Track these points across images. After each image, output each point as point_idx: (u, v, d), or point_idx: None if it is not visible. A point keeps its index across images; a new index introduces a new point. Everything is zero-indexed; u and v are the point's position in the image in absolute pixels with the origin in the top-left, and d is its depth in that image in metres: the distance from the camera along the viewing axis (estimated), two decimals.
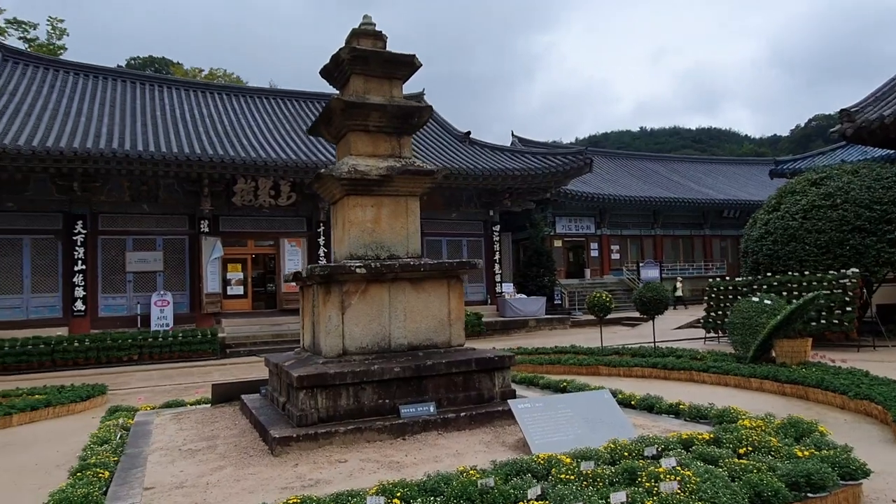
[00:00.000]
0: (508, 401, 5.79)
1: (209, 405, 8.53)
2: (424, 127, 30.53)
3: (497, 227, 27.90)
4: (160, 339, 19.44)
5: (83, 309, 21.40)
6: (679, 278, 32.41)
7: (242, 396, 7.90)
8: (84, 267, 21.46)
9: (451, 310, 6.87)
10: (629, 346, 14.66)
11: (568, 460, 4.69)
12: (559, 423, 5.59)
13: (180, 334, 19.87)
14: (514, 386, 9.11)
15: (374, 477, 4.83)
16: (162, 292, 22.28)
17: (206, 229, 23.13)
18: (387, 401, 6.14)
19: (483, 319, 24.73)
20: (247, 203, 23.85)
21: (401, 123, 7.17)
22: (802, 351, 10.72)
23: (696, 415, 6.48)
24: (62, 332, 20.45)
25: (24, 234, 21.31)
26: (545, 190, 27.59)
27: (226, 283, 24.09)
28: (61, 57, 36.18)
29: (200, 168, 21.13)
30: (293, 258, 24.53)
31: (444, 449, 5.57)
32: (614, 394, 7.71)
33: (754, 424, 5.65)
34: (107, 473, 5.12)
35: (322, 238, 24.84)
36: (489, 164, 26.11)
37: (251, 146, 23.79)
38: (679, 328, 23.17)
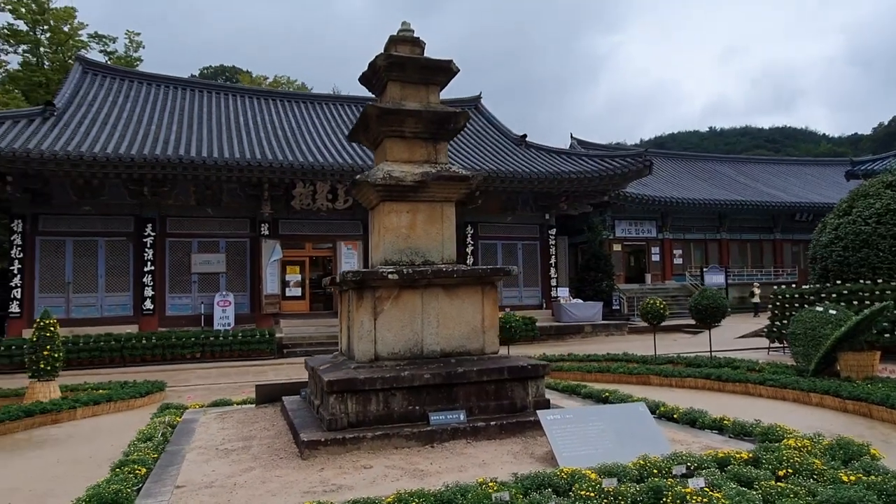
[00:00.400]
0: (538, 411, 5.67)
1: (254, 405, 8.76)
2: (479, 130, 30.56)
3: (553, 231, 27.55)
4: (220, 339, 20.14)
5: (152, 308, 22.42)
6: (756, 284, 31.09)
7: (283, 398, 8.07)
8: (153, 268, 22.49)
9: (484, 317, 6.80)
10: (685, 355, 14.17)
11: (593, 476, 4.55)
12: (589, 436, 5.44)
13: (240, 334, 20.52)
14: (555, 394, 8.97)
15: (397, 485, 4.82)
16: (224, 293, 23.07)
17: (266, 232, 23.82)
18: (417, 407, 6.13)
19: (537, 324, 24.34)
20: (305, 207, 24.43)
21: (437, 129, 7.16)
22: (869, 365, 10.06)
23: (740, 431, 6.18)
24: (133, 329, 21.49)
25: (100, 236, 22.53)
26: (603, 193, 27.05)
27: (284, 284, 24.73)
28: (137, 68, 38.11)
29: (260, 172, 21.79)
30: (350, 261, 24.93)
31: (470, 458, 5.52)
32: (657, 406, 7.46)
33: (799, 444, 5.33)
34: (143, 470, 5.32)
35: None
36: (545, 168, 25.82)
37: (310, 151, 24.36)
38: (743, 337, 22.24)
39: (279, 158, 22.62)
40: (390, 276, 6.43)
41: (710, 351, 13.59)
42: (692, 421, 6.77)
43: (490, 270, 6.79)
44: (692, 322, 26.36)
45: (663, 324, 14.80)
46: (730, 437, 6.20)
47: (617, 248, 34.07)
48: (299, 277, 25.19)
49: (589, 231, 31.57)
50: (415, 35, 7.38)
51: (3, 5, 35.36)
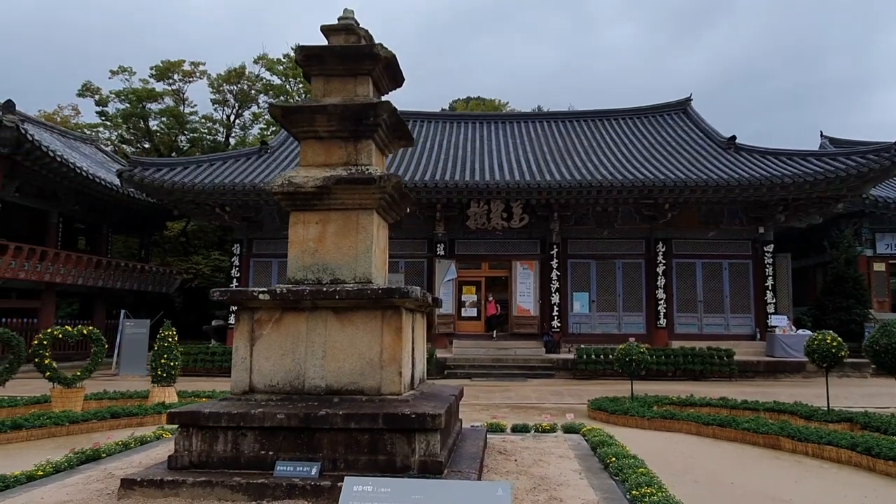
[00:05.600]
0: (347, 477, 4.28)
1: None
2: (683, 135, 27.11)
3: (769, 248, 22.97)
4: None
5: None
6: None
7: None
8: None
9: (383, 348, 5.51)
10: (877, 413, 10.32)
11: None
12: None
13: None
14: (576, 450, 7.08)
15: None
16: None
17: (442, 252, 24.04)
18: (270, 453, 5.15)
19: (744, 359, 20.53)
20: (480, 226, 24.11)
21: (355, 126, 6.10)
22: None
23: None
24: None
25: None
26: (836, 200, 21.80)
27: (460, 304, 24.60)
28: None
29: (430, 193, 22.15)
30: (525, 281, 23.90)
31: None
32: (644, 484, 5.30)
33: None
34: None
35: (555, 261, 23.68)
36: (755, 172, 21.76)
37: (491, 170, 24.03)
38: None
39: (454, 179, 22.71)
40: (261, 296, 5.59)
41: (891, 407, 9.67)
42: None
43: (382, 292, 5.48)
44: None
45: None
46: None
47: (879, 267, 27.23)
48: (475, 298, 24.83)
49: (831, 248, 25.72)
50: (351, 22, 6.45)
51: (265, 67, 42.13)
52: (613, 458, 6.25)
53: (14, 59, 72.88)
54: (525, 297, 23.65)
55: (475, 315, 24.74)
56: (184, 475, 5.04)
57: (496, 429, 8.48)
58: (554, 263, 23.64)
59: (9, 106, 21.67)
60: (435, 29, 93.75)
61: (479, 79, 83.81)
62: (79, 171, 23.82)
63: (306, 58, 6.28)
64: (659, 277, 23.22)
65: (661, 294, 23.14)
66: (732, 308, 23.23)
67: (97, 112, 42.23)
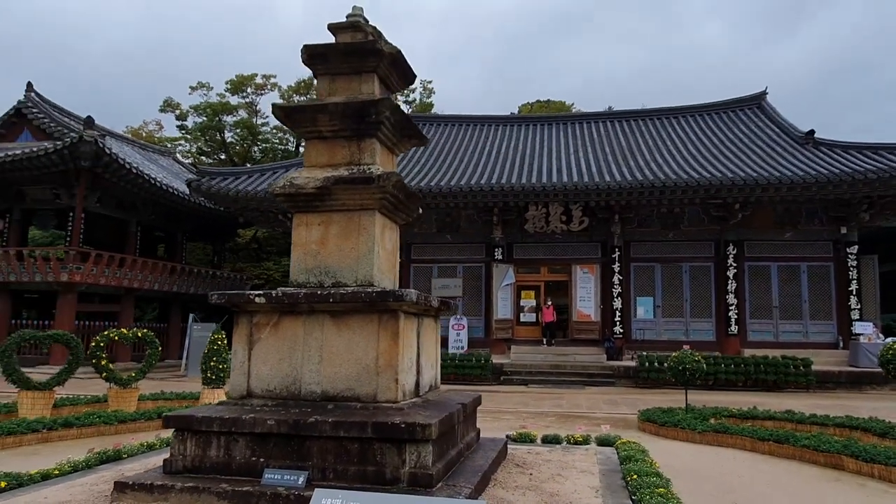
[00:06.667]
0: (315, 490, 4.07)
1: None
2: (756, 130, 25.60)
3: (853, 249, 21.27)
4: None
5: None
6: None
7: None
8: None
9: (379, 354, 5.28)
10: None
11: None
12: None
13: (457, 359, 20.60)
14: (603, 467, 6.64)
15: None
16: (459, 316, 23.50)
17: (500, 257, 23.70)
18: (261, 459, 5.03)
19: (823, 369, 19.12)
20: (539, 230, 23.59)
21: (357, 124, 5.93)
22: None
23: None
24: None
25: None
26: None
27: (519, 309, 24.13)
28: (432, 112, 42.22)
29: (487, 197, 21.90)
30: (585, 285, 23.17)
31: None
32: None
33: None
34: None
35: (617, 264, 22.85)
36: (834, 168, 20.23)
37: (549, 171, 23.54)
38: None
39: (511, 182, 22.37)
40: (258, 300, 5.49)
41: None
42: None
43: (377, 294, 5.25)
44: None
45: None
46: None
47: None
48: (534, 302, 24.29)
49: None
50: (358, 19, 6.29)
51: None
52: (635, 476, 5.77)
53: (117, 80, 78.23)
54: (585, 301, 22.90)
55: (534, 320, 24.19)
56: (175, 480, 4.99)
57: (525, 439, 8.11)
58: (616, 267, 22.80)
59: (89, 122, 23.03)
60: (512, 34, 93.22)
61: (554, 83, 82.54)
62: (154, 182, 25.00)
63: (311, 57, 6.18)
64: (730, 281, 21.95)
65: (731, 299, 21.86)
66: (812, 314, 21.64)
67: (177, 126, 44.47)
